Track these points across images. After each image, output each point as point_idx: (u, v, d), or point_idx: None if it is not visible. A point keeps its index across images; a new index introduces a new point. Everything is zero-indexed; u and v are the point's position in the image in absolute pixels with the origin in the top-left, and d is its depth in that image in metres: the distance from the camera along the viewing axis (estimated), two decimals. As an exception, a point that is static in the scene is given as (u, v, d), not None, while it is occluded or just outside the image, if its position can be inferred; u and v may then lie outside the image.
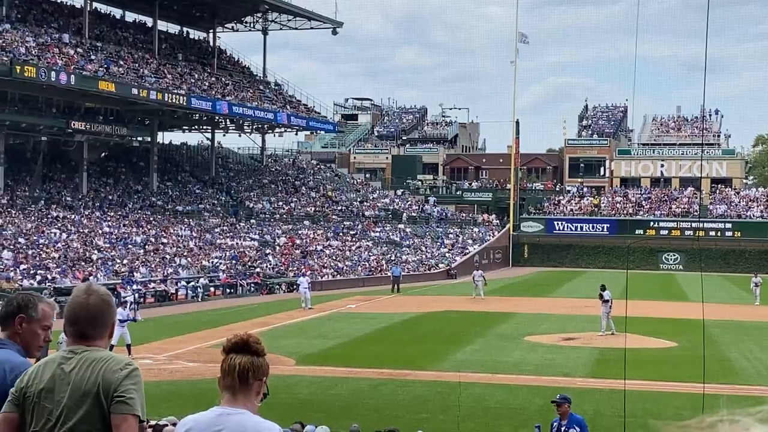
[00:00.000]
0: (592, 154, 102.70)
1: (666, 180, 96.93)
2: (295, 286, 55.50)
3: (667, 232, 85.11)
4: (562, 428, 15.51)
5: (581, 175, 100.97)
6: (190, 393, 23.91)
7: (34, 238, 54.81)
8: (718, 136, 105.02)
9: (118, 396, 4.47)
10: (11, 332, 5.18)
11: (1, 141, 62.87)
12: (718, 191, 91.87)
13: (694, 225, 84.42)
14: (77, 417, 4.51)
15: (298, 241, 73.60)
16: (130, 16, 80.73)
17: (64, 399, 4.53)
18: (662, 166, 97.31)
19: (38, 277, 48.46)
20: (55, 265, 51.10)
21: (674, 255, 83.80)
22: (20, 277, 47.82)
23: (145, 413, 4.61)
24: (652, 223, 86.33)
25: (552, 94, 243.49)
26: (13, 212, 58.82)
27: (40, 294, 5.62)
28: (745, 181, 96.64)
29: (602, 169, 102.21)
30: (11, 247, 52.03)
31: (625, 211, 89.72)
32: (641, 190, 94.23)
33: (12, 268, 48.71)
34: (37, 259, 51.55)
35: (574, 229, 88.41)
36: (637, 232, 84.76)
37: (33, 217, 59.01)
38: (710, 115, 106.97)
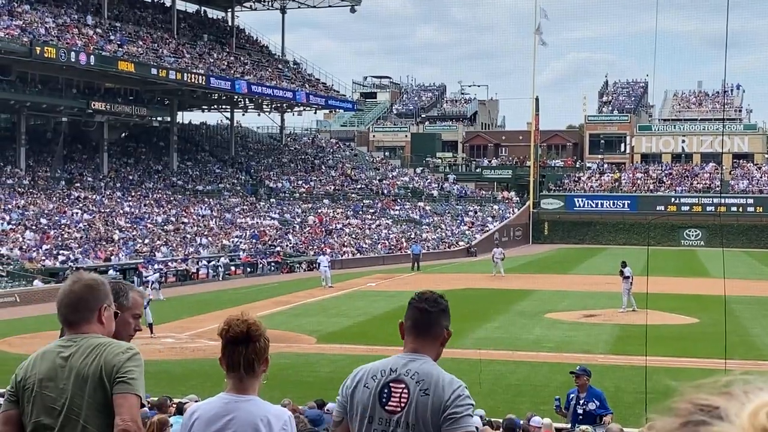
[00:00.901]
0: (612, 130, 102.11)
1: (687, 156, 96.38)
2: (315, 265, 55.61)
3: (688, 208, 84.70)
4: (581, 401, 15.33)
5: (601, 152, 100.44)
6: (212, 371, 24.03)
7: (56, 218, 55.12)
8: (740, 111, 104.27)
9: (119, 376, 4.49)
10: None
11: (22, 122, 63.16)
12: (739, 166, 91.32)
13: (715, 201, 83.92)
14: (83, 402, 4.52)
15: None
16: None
17: (69, 386, 4.54)
18: (683, 141, 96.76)
19: (61, 257, 48.74)
20: (77, 245, 51.39)
21: (695, 231, 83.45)
22: (43, 258, 48.13)
23: (145, 396, 4.61)
24: (673, 200, 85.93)
25: (572, 70, 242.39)
26: (35, 193, 59.15)
27: (129, 284, 5.44)
28: (766, 155, 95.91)
29: (623, 145, 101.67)
30: (33, 227, 52.35)
31: (645, 188, 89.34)
32: (662, 166, 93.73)
33: (35, 249, 49.01)
34: (59, 239, 51.85)
35: (594, 205, 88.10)
36: (658, 208, 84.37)
37: (55, 198, 59.33)
38: (731, 90, 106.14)
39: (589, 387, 15.59)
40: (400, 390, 4.45)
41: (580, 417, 15.08)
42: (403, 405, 4.42)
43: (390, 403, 4.45)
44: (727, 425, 1.02)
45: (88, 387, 4.52)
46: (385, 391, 4.47)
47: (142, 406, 4.62)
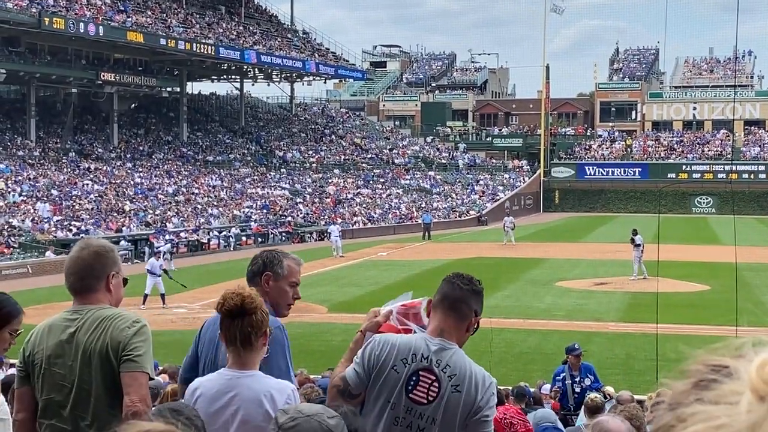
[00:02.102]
0: (623, 97, 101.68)
1: (698, 123, 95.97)
2: (326, 235, 55.66)
3: (699, 175, 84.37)
4: (576, 379, 14.78)
5: (612, 120, 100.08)
6: (224, 341, 24.12)
7: (67, 189, 55.23)
8: (751, 77, 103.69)
9: (126, 354, 4.46)
10: (260, 291, 4.96)
11: (31, 93, 63.17)
12: (751, 133, 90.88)
13: (726, 168, 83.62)
14: (92, 379, 4.50)
15: (329, 189, 73.71)
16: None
17: (77, 363, 4.51)
18: (694, 108, 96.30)
19: (73, 229, 48.88)
20: (88, 217, 51.51)
21: (707, 198, 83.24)
22: (54, 229, 48.27)
23: (153, 368, 4.63)
24: (684, 167, 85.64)
25: (583, 37, 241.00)
26: (46, 164, 59.25)
27: (284, 252, 5.39)
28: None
29: (634, 112, 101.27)
30: (44, 198, 52.47)
31: (656, 155, 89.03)
32: (673, 134, 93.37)
33: (46, 220, 49.15)
34: (71, 210, 51.97)
35: (605, 173, 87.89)
36: (669, 176, 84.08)
37: (65, 169, 59.42)
38: (743, 57, 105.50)
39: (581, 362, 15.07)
40: (430, 382, 4.29)
41: (577, 395, 14.62)
42: (431, 399, 4.27)
43: (416, 392, 4.29)
44: (737, 382, 1.07)
45: (94, 364, 4.50)
46: (413, 378, 4.29)
47: (150, 379, 4.60)
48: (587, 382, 14.74)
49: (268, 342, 4.45)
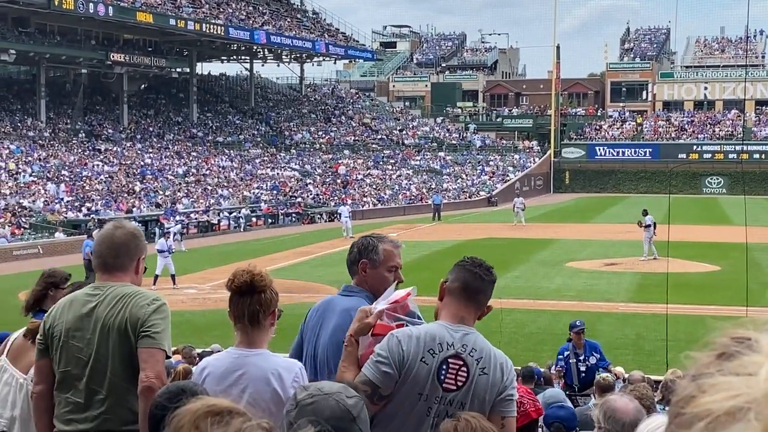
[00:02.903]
0: (634, 77, 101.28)
1: (709, 103, 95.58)
2: (336, 215, 55.70)
3: (710, 155, 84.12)
4: (581, 357, 14.35)
5: (623, 100, 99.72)
6: (235, 321, 24.21)
7: (78, 170, 55.32)
8: (763, 57, 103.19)
9: (144, 330, 4.50)
10: (359, 279, 5.07)
11: (41, 74, 63.21)
12: (762, 113, 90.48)
13: (737, 148, 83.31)
14: (108, 353, 4.55)
15: (340, 170, 73.71)
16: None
17: (95, 337, 4.56)
18: (705, 88, 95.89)
19: (83, 210, 48.99)
20: (98, 197, 51.61)
21: (717, 179, 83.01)
22: (65, 209, 48.39)
23: (170, 347, 4.63)
24: (695, 147, 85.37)
25: (594, 17, 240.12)
26: (56, 145, 59.34)
27: (380, 236, 5.25)
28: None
29: (644, 93, 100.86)
30: (55, 179, 52.58)
31: (667, 136, 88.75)
32: (684, 114, 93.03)
33: (57, 200, 49.27)
34: (81, 191, 52.08)
35: (615, 154, 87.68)
36: (679, 156, 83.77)
37: (75, 150, 59.50)
38: (754, 36, 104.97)
39: (585, 340, 14.59)
40: (458, 367, 4.26)
41: (583, 374, 14.33)
42: (460, 384, 4.25)
43: (447, 380, 4.26)
44: (758, 354, 1.08)
45: (112, 338, 4.55)
46: (443, 367, 4.25)
47: (167, 357, 4.63)
48: (592, 360, 14.30)
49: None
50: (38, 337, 4.83)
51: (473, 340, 4.31)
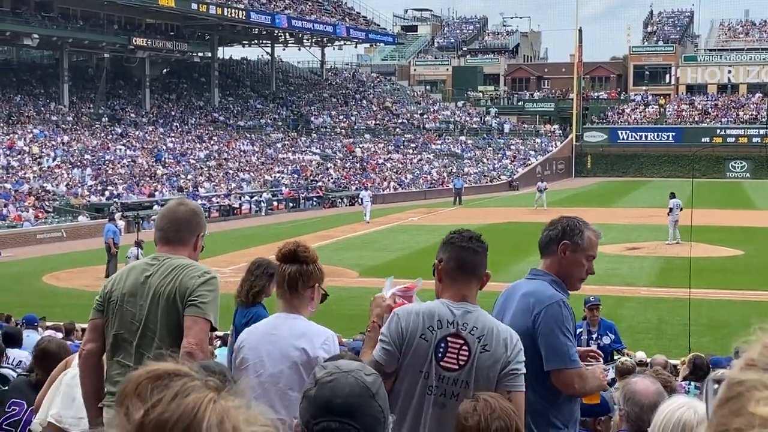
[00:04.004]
0: (657, 61, 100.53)
1: (733, 86, 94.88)
2: (358, 200, 55.75)
3: (734, 139, 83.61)
4: (593, 335, 14.03)
5: (646, 83, 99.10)
6: (256, 305, 24.27)
7: (100, 154, 55.57)
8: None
9: (191, 299, 4.67)
10: (553, 260, 4.92)
11: (64, 58, 63.45)
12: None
13: (761, 132, 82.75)
14: (157, 321, 4.73)
15: (360, 154, 73.72)
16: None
17: (146, 304, 4.74)
18: (729, 72, 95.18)
19: (106, 194, 49.23)
20: (121, 181, 51.84)
21: (741, 163, 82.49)
22: (87, 194, 48.63)
23: (218, 322, 4.79)
24: (718, 131, 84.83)
25: (617, 0, 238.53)
26: (79, 129, 59.61)
27: (585, 221, 5.17)
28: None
29: (668, 76, 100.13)
30: (78, 163, 52.84)
31: (690, 119, 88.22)
32: (707, 97, 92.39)
33: (80, 185, 49.52)
34: (104, 175, 52.32)
35: (638, 138, 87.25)
36: (703, 140, 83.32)
37: (98, 134, 59.76)
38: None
39: (600, 319, 14.31)
40: (459, 346, 4.21)
41: None
42: (462, 363, 4.20)
43: (446, 359, 4.22)
44: None
45: (162, 307, 4.72)
46: (442, 345, 4.21)
47: (213, 330, 4.81)
48: (606, 340, 13.94)
49: (542, 317, 4.58)
50: (97, 298, 5.03)
51: (474, 318, 4.26)
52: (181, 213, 4.96)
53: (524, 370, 4.29)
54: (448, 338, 4.23)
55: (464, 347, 4.22)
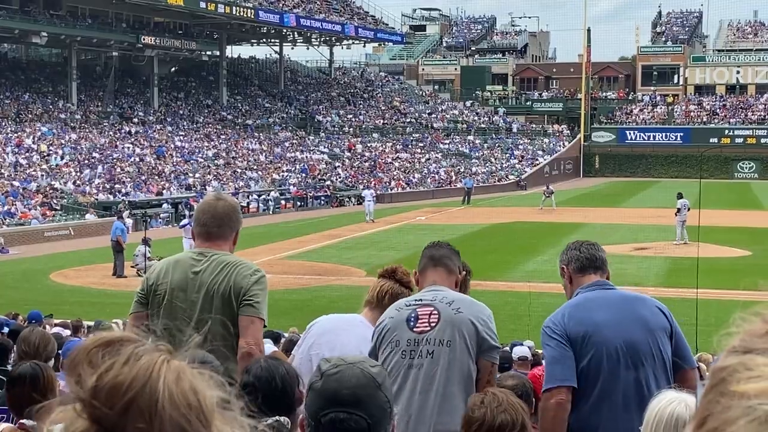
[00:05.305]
0: (665, 61, 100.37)
1: (742, 87, 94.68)
2: (361, 199, 55.76)
3: (742, 140, 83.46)
4: None
5: (654, 83, 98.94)
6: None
7: (108, 152, 55.66)
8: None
9: (247, 299, 4.80)
10: (606, 275, 5.27)
11: (73, 57, 63.56)
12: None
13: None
14: (211, 316, 4.80)
15: (367, 154, 73.73)
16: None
17: (199, 300, 4.83)
18: (738, 72, 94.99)
19: (114, 192, 49.31)
20: (129, 180, 51.92)
21: (749, 163, 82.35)
22: (95, 192, 48.72)
23: (267, 316, 4.98)
24: (726, 132, 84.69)
25: (625, 0, 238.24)
26: (87, 127, 59.72)
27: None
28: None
29: (676, 76, 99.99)
30: (86, 161, 52.94)
31: (699, 120, 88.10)
32: (716, 98, 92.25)
33: (88, 183, 49.61)
34: (112, 173, 52.42)
35: (646, 138, 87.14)
36: (711, 140, 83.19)
37: (106, 132, 59.87)
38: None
39: None
40: (429, 312, 4.51)
41: None
42: (433, 324, 4.46)
43: (418, 324, 4.50)
44: None
45: (215, 303, 4.82)
46: (413, 316, 4.53)
47: (264, 326, 4.96)
48: None
49: (672, 318, 4.91)
50: (139, 291, 5.08)
51: (444, 294, 4.60)
52: (222, 208, 5.06)
53: (499, 345, 4.60)
54: (418, 309, 4.55)
55: (434, 312, 4.50)
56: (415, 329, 4.48)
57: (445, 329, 4.43)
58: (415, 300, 4.64)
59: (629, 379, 4.69)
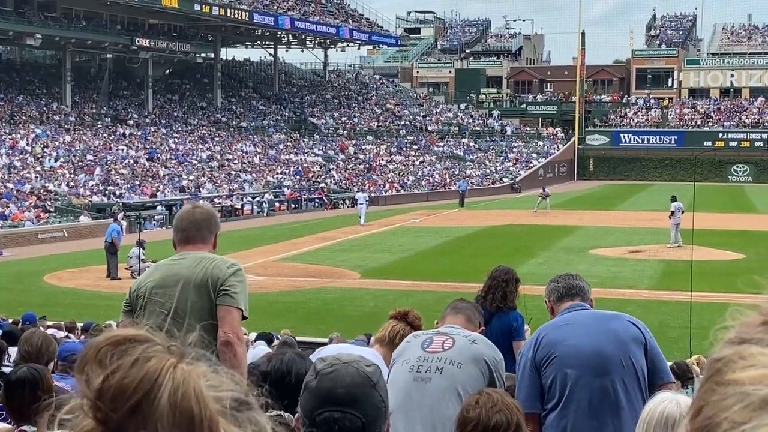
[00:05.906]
0: (659, 64, 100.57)
1: (736, 90, 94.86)
2: (353, 201, 55.68)
3: (736, 143, 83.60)
4: None
5: (648, 87, 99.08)
6: (257, 305, 24.22)
7: (102, 154, 55.58)
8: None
9: (224, 289, 4.89)
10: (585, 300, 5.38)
11: (67, 58, 63.47)
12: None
13: (764, 136, 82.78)
14: (187, 307, 4.91)
15: (361, 156, 73.73)
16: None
17: (176, 292, 4.92)
18: (732, 76, 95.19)
19: (108, 194, 49.25)
20: (123, 182, 51.86)
21: (743, 167, 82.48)
22: (89, 194, 48.65)
23: (247, 308, 5.03)
24: (720, 135, 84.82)
25: (620, 3, 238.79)
26: (81, 129, 59.64)
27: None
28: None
29: (670, 80, 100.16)
30: (80, 163, 52.86)
31: (693, 123, 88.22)
32: (710, 101, 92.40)
33: (82, 185, 49.52)
34: (106, 175, 52.34)
35: (640, 141, 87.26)
36: (705, 143, 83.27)
37: (100, 134, 59.79)
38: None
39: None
40: (444, 339, 4.68)
41: None
42: (446, 348, 4.61)
43: (432, 346, 4.65)
44: None
45: (192, 293, 4.92)
46: (428, 340, 4.72)
47: (244, 318, 5.03)
48: None
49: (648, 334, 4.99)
50: (124, 300, 5.25)
51: (461, 330, 4.79)
52: (199, 214, 5.24)
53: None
54: (434, 336, 4.75)
55: (448, 339, 4.66)
56: (427, 350, 4.65)
57: (457, 354, 4.57)
58: (433, 331, 4.91)
59: (595, 386, 4.73)
